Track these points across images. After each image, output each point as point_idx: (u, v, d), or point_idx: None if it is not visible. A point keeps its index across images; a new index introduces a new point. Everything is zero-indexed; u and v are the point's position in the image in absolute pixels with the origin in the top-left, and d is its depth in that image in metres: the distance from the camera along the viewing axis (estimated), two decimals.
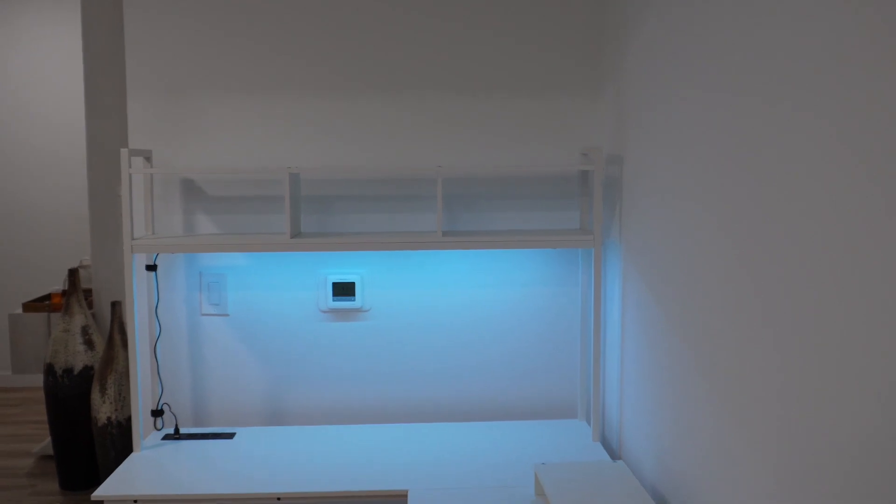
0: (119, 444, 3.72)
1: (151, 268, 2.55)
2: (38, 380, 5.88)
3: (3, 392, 5.88)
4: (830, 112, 1.20)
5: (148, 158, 2.52)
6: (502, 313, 2.68)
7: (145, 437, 2.55)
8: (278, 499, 2.15)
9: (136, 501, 2.14)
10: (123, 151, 2.32)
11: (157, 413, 2.58)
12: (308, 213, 2.63)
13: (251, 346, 2.67)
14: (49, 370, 4.10)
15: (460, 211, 2.64)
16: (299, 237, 2.41)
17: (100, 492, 2.12)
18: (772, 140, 1.40)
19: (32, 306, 4.62)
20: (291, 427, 2.61)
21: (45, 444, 4.69)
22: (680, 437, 1.89)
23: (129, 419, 3.71)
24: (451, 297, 2.67)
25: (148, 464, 2.32)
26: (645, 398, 2.17)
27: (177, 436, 2.54)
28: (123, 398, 3.72)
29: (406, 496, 2.14)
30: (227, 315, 2.66)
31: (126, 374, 3.73)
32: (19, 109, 5.90)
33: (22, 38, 5.87)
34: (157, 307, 2.61)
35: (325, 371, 2.68)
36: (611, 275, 2.50)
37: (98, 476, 4.01)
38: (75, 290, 4.10)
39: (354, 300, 2.65)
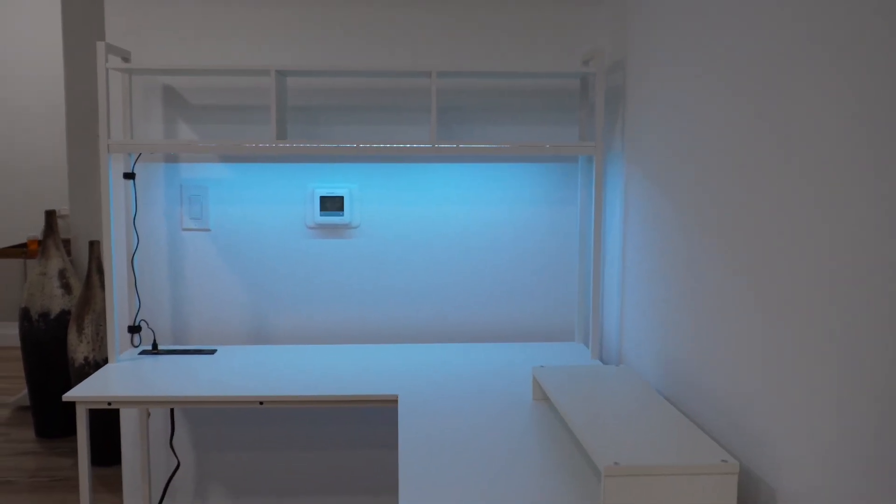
0: None
1: (129, 176, 2.43)
2: (14, 338, 5.74)
3: None
4: None
5: (126, 59, 2.40)
6: (497, 232, 2.58)
7: (121, 353, 2.43)
8: (261, 402, 2.04)
9: (110, 403, 2.02)
10: (100, 45, 2.20)
11: (134, 329, 2.45)
12: (294, 124, 2.52)
13: (234, 263, 2.55)
14: (25, 315, 3.97)
15: (454, 125, 2.53)
16: (285, 141, 2.29)
17: (72, 393, 2.00)
18: (788, 37, 1.30)
19: (8, 252, 4.47)
20: (276, 346, 2.50)
21: (20, 395, 4.55)
22: (687, 345, 1.79)
23: (106, 360, 3.58)
24: (444, 215, 2.56)
25: (124, 373, 2.20)
26: (648, 312, 2.07)
27: (155, 351, 2.42)
28: (101, 338, 3.59)
29: (396, 401, 2.04)
30: (209, 230, 2.54)
31: (104, 315, 3.60)
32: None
33: None
34: (134, 218, 2.49)
35: (311, 290, 2.57)
36: (611, 189, 2.40)
37: (75, 423, 3.87)
38: (52, 232, 3.97)
39: (343, 215, 2.54)
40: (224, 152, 2.26)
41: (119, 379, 2.14)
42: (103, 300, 3.63)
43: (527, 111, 2.54)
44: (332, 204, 2.53)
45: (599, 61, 2.27)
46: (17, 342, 5.76)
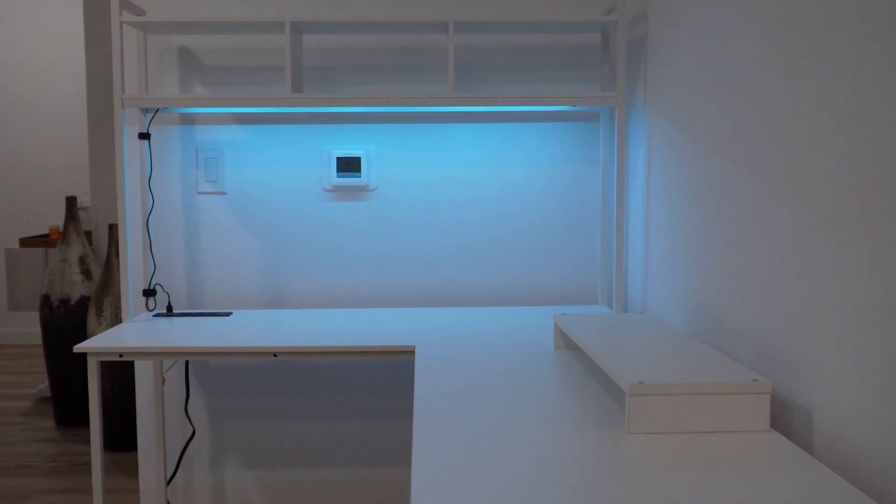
0: (116, 369, 3.57)
1: (144, 136, 2.40)
2: (38, 335, 5.74)
3: (3, 348, 5.73)
4: None
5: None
6: (517, 194, 2.51)
7: (135, 316, 2.39)
8: (274, 355, 1.98)
9: (121, 355, 1.98)
10: (114, 0, 2.18)
11: (148, 292, 2.41)
12: (310, 84, 2.48)
13: (250, 226, 2.51)
14: (45, 301, 3.95)
15: (472, 85, 2.48)
16: (300, 95, 2.24)
17: (83, 345, 1.96)
18: None
19: (30, 241, 4.48)
20: (293, 310, 2.44)
21: (41, 387, 4.54)
22: (715, 288, 1.72)
23: None
24: (463, 177, 2.51)
25: (137, 331, 2.16)
26: (673, 264, 1.99)
27: (169, 314, 2.38)
28: (121, 320, 3.56)
29: (413, 352, 1.97)
30: (225, 193, 2.51)
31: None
32: (18, 50, 5.78)
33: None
34: (150, 179, 2.46)
35: (328, 253, 2.51)
36: (634, 145, 2.33)
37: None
38: (73, 219, 3.96)
39: (360, 176, 2.49)
40: (238, 106, 2.23)
41: (132, 336, 2.10)
42: (118, 284, 3.60)
43: (546, 69, 2.48)
44: (348, 165, 2.49)
45: (621, 10, 2.21)
46: (40, 338, 5.76)
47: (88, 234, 4.42)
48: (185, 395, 2.52)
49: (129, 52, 2.45)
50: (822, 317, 1.28)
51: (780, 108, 1.41)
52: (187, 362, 2.49)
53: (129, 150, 2.45)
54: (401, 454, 2.57)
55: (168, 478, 2.52)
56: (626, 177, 2.40)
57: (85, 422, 4.01)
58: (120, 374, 3.54)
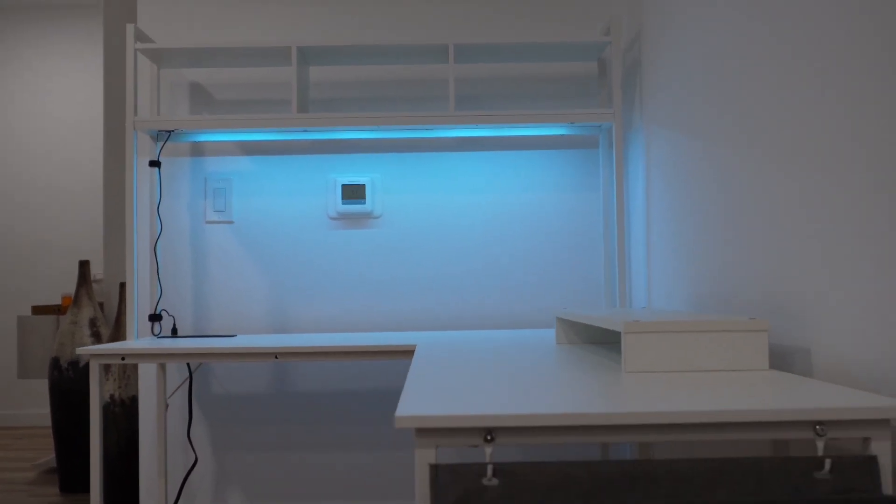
0: (123, 424, 3.54)
1: (155, 163, 2.47)
2: (44, 417, 5.71)
3: (9, 429, 5.69)
4: None
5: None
6: (520, 219, 2.55)
7: (140, 339, 2.39)
8: (276, 356, 1.98)
9: (123, 358, 1.98)
10: (129, 27, 2.29)
11: (154, 317, 2.43)
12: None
13: (256, 253, 2.54)
14: (54, 364, 3.96)
15: (473, 111, 2.55)
16: (306, 115, 2.31)
17: (85, 349, 1.97)
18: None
19: (43, 309, 4.51)
20: (297, 334, 2.44)
21: (47, 459, 4.48)
22: (718, 274, 1.73)
23: (133, 398, 3.54)
24: (466, 204, 2.55)
25: (140, 344, 2.16)
26: (676, 267, 2.00)
27: (174, 336, 2.38)
28: (128, 376, 3.56)
29: (413, 352, 1.97)
30: (232, 222, 2.55)
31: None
32: (31, 113, 5.96)
33: (40, 47, 6.00)
34: (158, 206, 2.51)
35: (333, 280, 2.53)
36: (633, 164, 2.38)
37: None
38: (85, 282, 4.01)
39: (365, 204, 2.54)
40: (245, 127, 2.30)
41: (135, 346, 2.10)
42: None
43: (545, 98, 2.56)
44: (354, 192, 2.54)
45: (616, 30, 2.29)
46: (47, 421, 5.72)
47: (101, 305, 4.46)
48: (187, 420, 2.49)
49: (142, 87, 2.54)
50: (819, 263, 1.28)
51: (770, 104, 1.46)
52: (190, 387, 2.48)
53: (140, 178, 2.52)
54: (405, 486, 2.51)
55: None
56: (626, 194, 2.43)
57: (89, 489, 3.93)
58: (127, 429, 3.51)
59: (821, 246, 1.26)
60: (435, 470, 0.95)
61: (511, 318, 2.53)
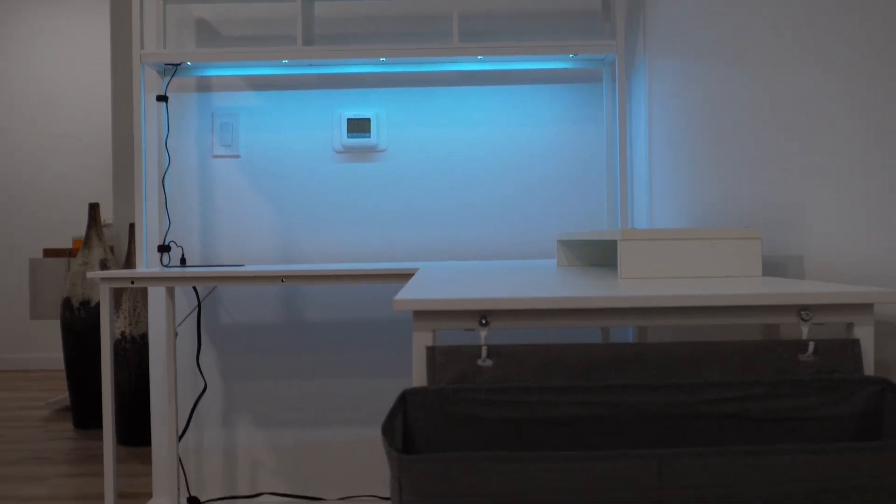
0: (133, 361, 3.60)
1: (162, 98, 2.49)
2: (56, 361, 5.80)
3: (23, 372, 5.78)
4: None
5: None
6: (524, 153, 2.56)
7: (148, 269, 2.44)
8: (282, 279, 2.02)
9: (133, 281, 2.02)
10: None
11: (163, 248, 2.47)
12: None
13: (263, 187, 2.57)
14: (66, 304, 4.02)
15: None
16: (311, 48, 2.32)
17: (95, 273, 2.01)
18: None
19: (53, 252, 4.57)
20: (305, 265, 2.48)
21: (60, 397, 4.57)
22: (717, 187, 1.75)
23: (144, 336, 3.60)
24: (471, 137, 2.57)
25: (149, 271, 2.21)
26: (677, 188, 2.03)
27: (182, 266, 2.43)
28: (138, 313, 3.62)
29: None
30: (239, 157, 2.58)
31: (142, 292, 3.64)
32: (39, 58, 5.97)
33: (53, 18, 5.99)
34: (166, 141, 2.54)
35: (339, 213, 2.57)
36: (636, 96, 2.39)
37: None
38: (95, 223, 4.05)
39: (370, 137, 2.56)
40: (251, 59, 2.31)
41: (144, 272, 2.14)
42: None
43: (548, 35, 2.56)
44: (359, 126, 2.56)
45: None
46: (60, 364, 5.82)
47: (111, 249, 4.51)
48: (196, 347, 2.54)
49: (149, 23, 2.55)
50: (812, 174, 1.30)
51: (764, 28, 1.47)
52: (199, 315, 2.53)
53: (147, 113, 2.54)
54: None
55: (180, 434, 2.53)
56: (629, 126, 2.45)
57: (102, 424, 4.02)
58: (138, 366, 3.58)
59: (813, 157, 1.29)
60: (432, 352, 0.98)
61: (515, 249, 2.56)
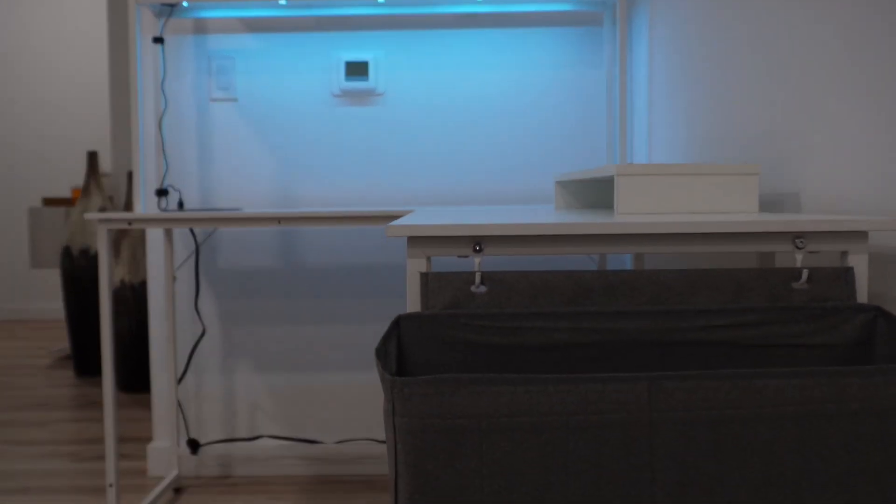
0: (134, 308, 3.61)
1: (158, 40, 2.46)
2: (57, 311, 5.83)
3: (24, 322, 5.81)
4: None
5: None
6: (523, 97, 2.54)
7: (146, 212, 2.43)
8: (279, 221, 2.02)
9: (130, 223, 2.02)
10: None
11: (161, 192, 2.46)
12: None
13: (261, 131, 2.55)
14: (66, 253, 4.02)
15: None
16: None
17: (93, 215, 2.01)
18: None
19: (53, 202, 4.57)
20: (301, 208, 2.48)
21: (62, 346, 4.59)
22: (713, 121, 1.74)
23: (143, 283, 3.60)
24: (469, 80, 2.54)
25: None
26: (675, 125, 2.01)
27: (180, 210, 2.42)
28: (137, 260, 3.62)
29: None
30: (236, 100, 2.56)
31: (141, 240, 3.64)
32: (36, 6, 5.91)
33: None
34: (163, 83, 2.52)
35: (337, 158, 2.55)
36: (637, 45, 2.36)
37: (115, 359, 3.88)
38: (94, 172, 4.04)
39: (368, 80, 2.53)
40: None
41: (142, 214, 2.14)
42: (141, 229, 3.67)
43: None
44: (356, 69, 2.53)
45: None
46: (61, 314, 5.84)
47: (111, 199, 4.51)
48: (195, 292, 2.55)
49: None
50: (812, 109, 1.29)
51: None
52: (197, 259, 2.53)
53: (144, 56, 2.52)
54: None
55: (179, 378, 2.55)
56: (630, 69, 2.42)
57: None
58: (138, 314, 3.59)
59: (811, 94, 1.27)
60: (425, 278, 0.98)
61: (514, 194, 2.55)
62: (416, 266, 0.98)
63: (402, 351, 0.98)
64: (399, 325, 0.97)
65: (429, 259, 1.00)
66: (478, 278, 0.97)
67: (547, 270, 0.95)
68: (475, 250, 0.98)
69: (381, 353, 0.94)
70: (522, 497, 0.90)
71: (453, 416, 0.89)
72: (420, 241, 0.98)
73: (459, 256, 0.98)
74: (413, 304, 0.98)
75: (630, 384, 0.89)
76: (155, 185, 2.53)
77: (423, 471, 0.89)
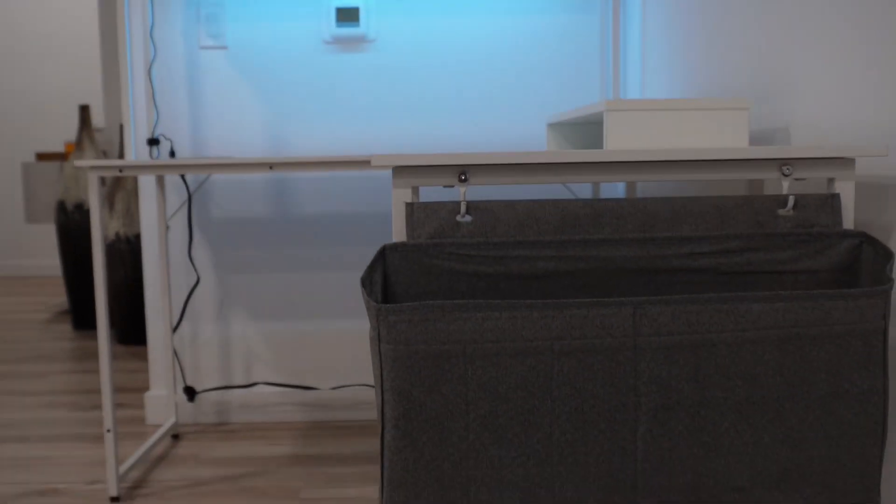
0: (129, 262, 3.62)
1: None
2: (55, 268, 5.83)
3: (20, 279, 5.81)
4: None
5: None
6: (516, 41, 2.52)
7: None
8: (270, 167, 2.01)
9: (121, 170, 2.01)
10: None
11: (152, 142, 2.45)
12: None
13: (251, 79, 2.53)
14: (60, 208, 4.01)
15: None
16: None
17: (84, 161, 1.99)
18: None
19: (47, 156, 4.55)
20: (293, 154, 2.47)
21: (60, 300, 4.60)
22: (703, 57, 1.72)
23: (138, 236, 3.60)
24: (461, 26, 2.52)
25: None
26: (672, 88, 1.99)
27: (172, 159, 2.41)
28: (132, 214, 3.62)
29: None
30: (226, 48, 2.53)
31: (135, 193, 3.63)
32: None
33: None
34: (151, 30, 2.49)
35: (329, 105, 2.54)
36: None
37: (111, 312, 3.89)
38: (86, 126, 4.01)
39: (359, 26, 2.51)
40: None
41: (132, 161, 2.13)
42: (134, 181, 3.66)
43: None
44: (347, 15, 2.50)
45: None
46: (57, 271, 5.85)
47: (104, 154, 4.48)
48: (188, 240, 2.55)
49: None
50: (802, 44, 1.28)
51: None
52: (189, 207, 2.53)
53: (132, 4, 2.48)
54: None
55: (174, 326, 2.57)
56: (623, 12, 2.40)
57: None
58: (133, 266, 3.60)
59: (802, 29, 1.26)
60: (411, 208, 0.98)
61: (506, 140, 2.54)
62: (401, 196, 0.98)
63: (387, 280, 0.98)
64: (385, 255, 0.97)
65: (415, 190, 1.00)
66: (463, 207, 0.97)
67: (533, 199, 0.95)
68: (460, 180, 0.98)
69: (367, 281, 0.94)
70: (507, 421, 0.90)
71: (438, 342, 0.89)
72: (405, 170, 0.97)
73: (445, 186, 0.98)
74: (398, 234, 0.98)
75: (614, 309, 0.89)
76: (146, 135, 2.51)
77: (409, 396, 0.90)
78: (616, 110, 1.33)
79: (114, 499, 2.04)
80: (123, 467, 2.10)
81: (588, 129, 1.91)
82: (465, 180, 0.98)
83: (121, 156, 3.76)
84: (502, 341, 0.89)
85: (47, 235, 5.88)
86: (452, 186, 0.99)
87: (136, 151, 2.33)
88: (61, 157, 4.62)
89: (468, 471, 0.91)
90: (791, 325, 0.89)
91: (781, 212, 0.99)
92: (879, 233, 1.04)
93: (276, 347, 2.60)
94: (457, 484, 0.91)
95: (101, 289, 2.03)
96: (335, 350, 2.60)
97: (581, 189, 2.50)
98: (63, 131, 5.79)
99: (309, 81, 2.53)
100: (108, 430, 2.03)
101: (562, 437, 0.90)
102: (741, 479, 0.93)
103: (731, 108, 1.33)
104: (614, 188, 2.51)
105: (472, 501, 0.91)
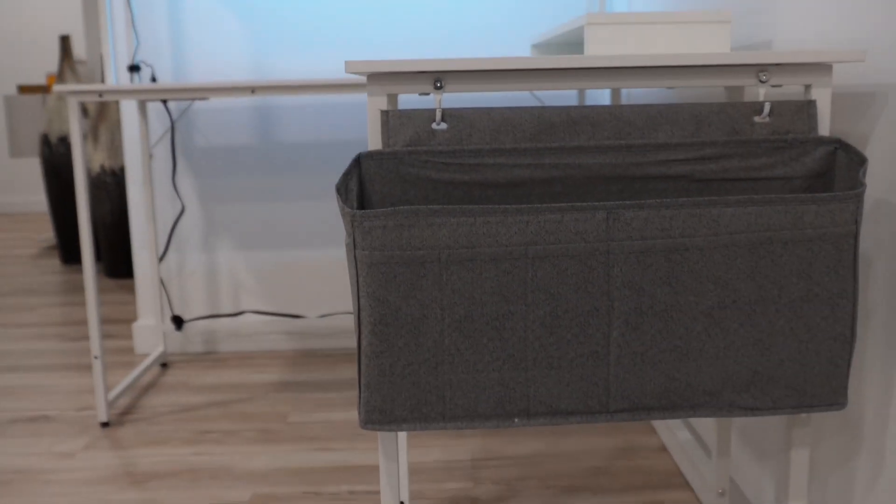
0: (115, 193, 3.60)
1: None
2: (41, 204, 5.80)
3: (6, 216, 5.78)
4: None
5: None
6: None
7: None
8: (252, 90, 1.98)
9: (101, 94, 1.99)
10: None
11: (133, 68, 2.42)
12: None
13: (232, 3, 2.48)
14: (44, 141, 3.98)
15: None
16: None
17: (63, 87, 1.97)
18: None
19: (29, 89, 4.49)
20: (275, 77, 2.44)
21: (47, 235, 4.59)
22: None
23: (122, 168, 3.58)
24: None
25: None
26: None
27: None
28: (116, 146, 3.58)
29: None
30: None
31: (119, 124, 3.60)
32: None
33: None
34: None
35: (312, 29, 2.50)
36: None
37: (98, 245, 3.89)
38: (67, 57, 3.95)
39: None
40: None
41: (113, 86, 2.10)
42: (117, 111, 3.62)
43: None
44: None
45: None
46: (43, 206, 5.83)
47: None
48: (171, 168, 2.54)
49: None
50: None
51: None
52: (172, 135, 2.51)
53: None
54: None
55: (160, 255, 2.57)
56: None
57: None
58: (118, 199, 3.58)
59: None
60: (386, 115, 0.98)
61: (502, 46, 2.52)
62: (376, 104, 0.97)
63: (363, 189, 0.98)
64: (360, 163, 0.97)
65: (393, 100, 0.99)
66: (438, 114, 0.97)
67: (508, 107, 0.95)
68: (436, 87, 0.97)
69: (342, 189, 0.94)
70: (482, 326, 0.91)
71: (413, 247, 0.89)
72: (380, 77, 0.97)
73: (421, 94, 0.97)
74: (374, 142, 0.98)
75: (588, 214, 0.89)
76: (127, 63, 2.48)
77: (385, 302, 0.90)
78: (596, 24, 1.31)
79: (104, 424, 2.06)
80: (112, 394, 2.12)
81: (574, 49, 1.89)
82: (441, 87, 0.97)
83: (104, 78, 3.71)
84: (477, 246, 0.89)
85: (33, 169, 5.84)
86: (428, 94, 0.98)
87: (116, 78, 2.30)
88: (43, 89, 4.56)
89: (444, 375, 0.92)
90: (763, 229, 0.89)
91: (757, 119, 0.99)
92: (855, 142, 1.04)
93: (263, 276, 2.61)
94: (433, 388, 0.92)
95: (84, 208, 2.02)
96: (322, 278, 2.62)
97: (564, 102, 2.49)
98: (45, 63, 5.70)
99: (293, 3, 2.49)
100: (96, 357, 2.04)
101: (536, 342, 0.91)
102: (712, 382, 0.94)
103: (712, 21, 1.32)
104: (599, 101, 2.49)
105: (448, 405, 0.93)
